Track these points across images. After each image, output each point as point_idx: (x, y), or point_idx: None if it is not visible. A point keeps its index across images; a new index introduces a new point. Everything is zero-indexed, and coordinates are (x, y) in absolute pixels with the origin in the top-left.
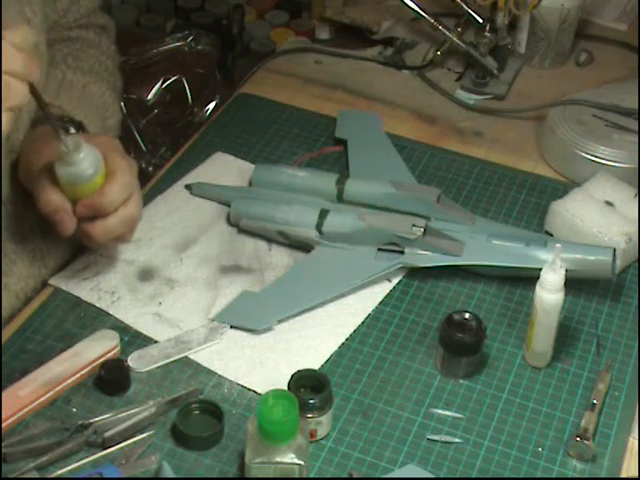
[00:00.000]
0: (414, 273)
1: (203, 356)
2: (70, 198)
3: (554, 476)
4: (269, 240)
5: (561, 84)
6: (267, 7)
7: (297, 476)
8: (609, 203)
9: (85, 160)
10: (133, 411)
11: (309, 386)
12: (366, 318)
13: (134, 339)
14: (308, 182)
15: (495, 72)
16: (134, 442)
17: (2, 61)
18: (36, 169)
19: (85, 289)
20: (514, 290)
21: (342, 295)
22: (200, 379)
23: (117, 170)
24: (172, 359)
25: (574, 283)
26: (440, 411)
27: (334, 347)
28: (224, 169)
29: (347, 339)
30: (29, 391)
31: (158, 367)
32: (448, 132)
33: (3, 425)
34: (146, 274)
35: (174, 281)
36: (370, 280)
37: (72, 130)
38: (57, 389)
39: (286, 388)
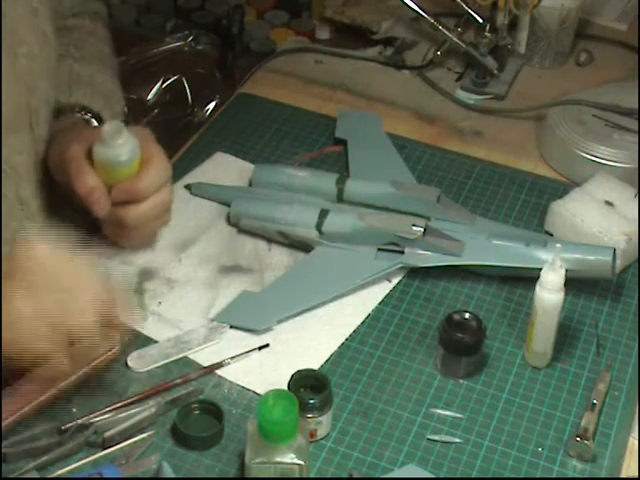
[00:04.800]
0: (414, 273)
1: (203, 356)
2: (106, 183)
3: (554, 476)
4: (269, 240)
5: (561, 84)
6: (267, 7)
7: (297, 476)
8: (609, 203)
9: (125, 145)
10: (133, 411)
11: (309, 386)
12: (366, 318)
13: (134, 339)
14: (308, 182)
15: (495, 72)
16: (134, 442)
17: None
18: (69, 156)
19: None
20: (514, 290)
21: (342, 295)
22: (200, 379)
23: (153, 157)
24: (172, 359)
25: (574, 283)
26: (440, 411)
27: (334, 347)
28: (224, 169)
29: (347, 339)
30: (29, 391)
31: (158, 367)
32: (448, 132)
33: (3, 425)
34: (146, 274)
35: (174, 281)
36: (370, 280)
37: (94, 122)
38: (57, 389)
39: (286, 388)
